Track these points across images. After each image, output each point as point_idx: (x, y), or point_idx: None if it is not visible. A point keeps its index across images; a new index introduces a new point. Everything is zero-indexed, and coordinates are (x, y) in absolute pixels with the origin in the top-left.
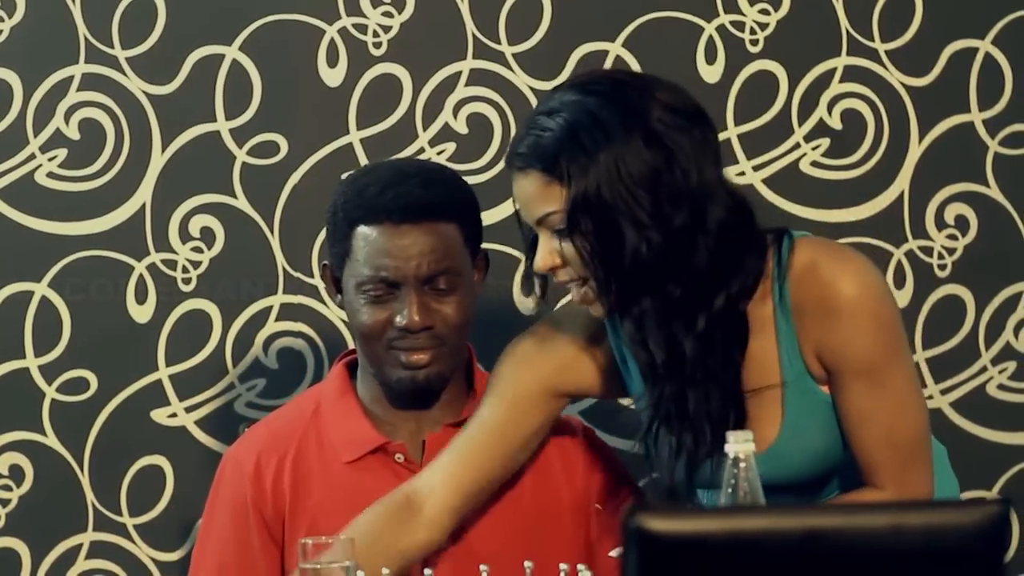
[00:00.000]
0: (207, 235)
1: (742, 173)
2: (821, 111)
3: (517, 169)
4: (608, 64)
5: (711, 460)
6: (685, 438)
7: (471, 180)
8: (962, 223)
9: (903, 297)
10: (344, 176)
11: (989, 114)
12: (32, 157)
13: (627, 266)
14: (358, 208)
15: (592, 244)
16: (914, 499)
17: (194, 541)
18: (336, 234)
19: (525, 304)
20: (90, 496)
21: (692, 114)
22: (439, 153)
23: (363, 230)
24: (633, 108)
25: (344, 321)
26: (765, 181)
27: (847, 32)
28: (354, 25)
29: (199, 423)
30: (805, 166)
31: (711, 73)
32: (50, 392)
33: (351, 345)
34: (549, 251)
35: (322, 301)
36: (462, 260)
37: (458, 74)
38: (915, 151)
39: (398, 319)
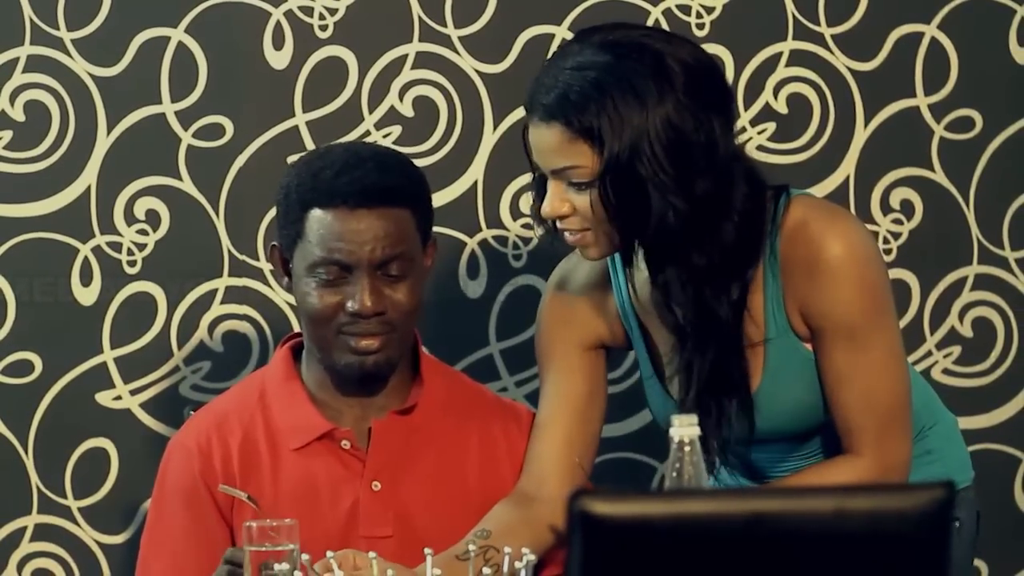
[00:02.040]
0: (152, 218)
1: None
2: (767, 95)
3: (539, 119)
4: (554, 46)
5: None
6: (723, 399)
7: (417, 164)
8: (907, 208)
9: None
10: (296, 158)
11: (935, 99)
12: None
13: (653, 231)
14: (313, 191)
15: (619, 206)
16: (859, 483)
17: (139, 524)
18: (288, 216)
19: (470, 288)
20: (35, 479)
21: (716, 82)
22: (385, 136)
23: (317, 213)
24: (664, 75)
25: (290, 304)
26: None
27: (793, 16)
28: (300, 7)
29: (144, 406)
30: (751, 150)
31: None
32: None
33: (296, 328)
34: (560, 199)
35: (267, 284)
36: (414, 246)
37: (404, 57)
38: (861, 135)
39: (350, 304)
